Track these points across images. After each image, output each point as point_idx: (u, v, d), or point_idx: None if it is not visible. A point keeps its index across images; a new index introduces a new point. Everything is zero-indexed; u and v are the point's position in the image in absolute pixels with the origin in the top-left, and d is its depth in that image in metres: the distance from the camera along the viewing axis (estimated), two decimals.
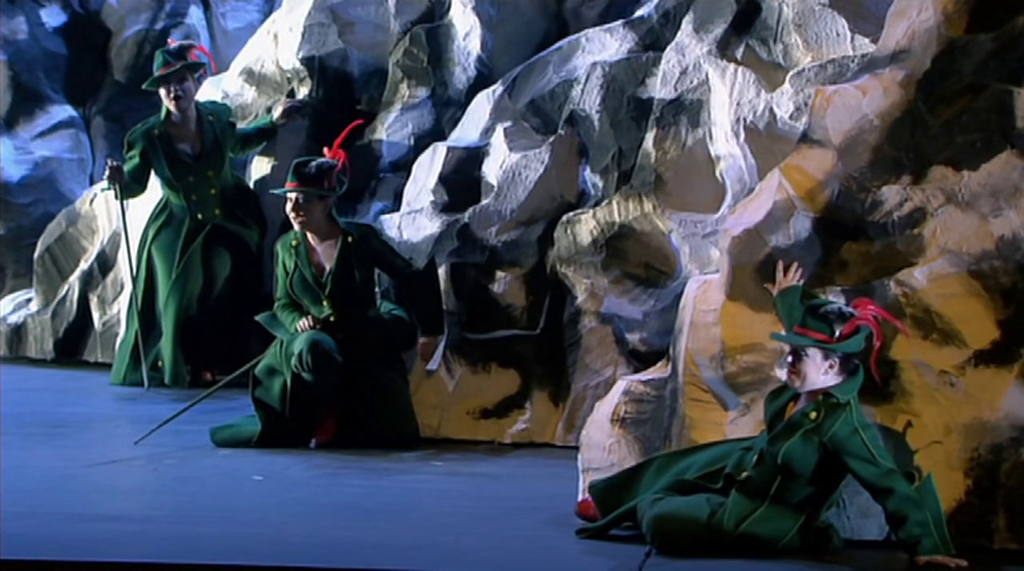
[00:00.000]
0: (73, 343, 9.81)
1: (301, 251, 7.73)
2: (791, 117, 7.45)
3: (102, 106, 11.08)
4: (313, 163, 7.74)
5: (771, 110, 7.53)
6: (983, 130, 6.12)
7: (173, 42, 9.43)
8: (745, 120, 7.57)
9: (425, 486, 6.95)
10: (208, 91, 9.83)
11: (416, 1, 9.40)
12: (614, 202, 7.73)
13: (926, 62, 6.23)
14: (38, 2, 10.83)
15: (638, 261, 7.71)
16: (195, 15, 11.15)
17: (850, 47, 7.46)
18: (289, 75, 9.55)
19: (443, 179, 8.29)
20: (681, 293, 6.58)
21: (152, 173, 9.20)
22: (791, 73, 7.52)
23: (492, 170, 8.14)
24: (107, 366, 9.57)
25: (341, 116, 9.07)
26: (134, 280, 9.27)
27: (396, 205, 8.69)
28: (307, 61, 9.43)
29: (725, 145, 7.65)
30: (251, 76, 9.70)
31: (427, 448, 7.60)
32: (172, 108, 9.08)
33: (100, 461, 7.31)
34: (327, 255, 7.74)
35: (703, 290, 6.32)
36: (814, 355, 5.73)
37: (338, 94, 9.40)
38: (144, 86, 9.30)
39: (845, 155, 6.23)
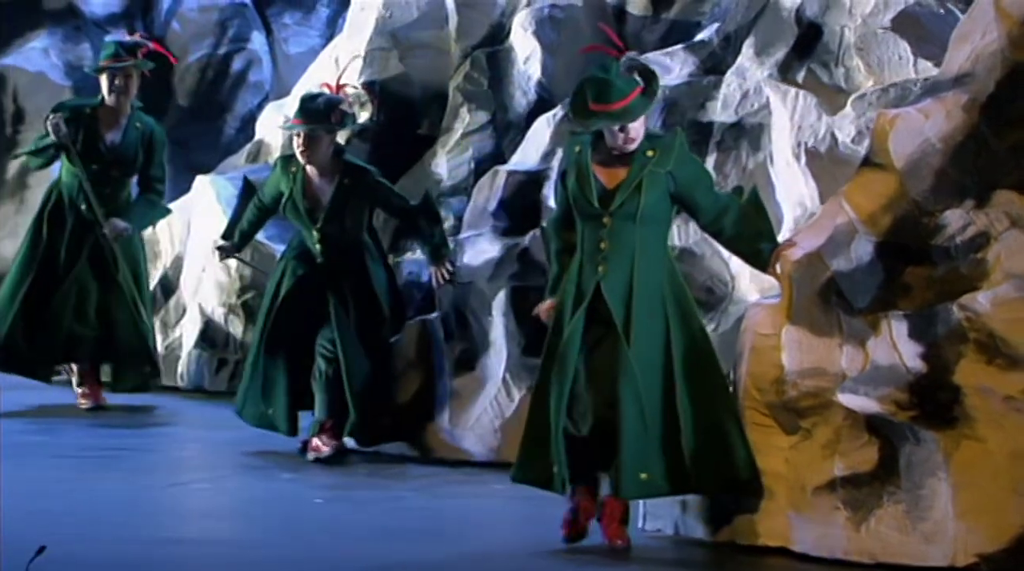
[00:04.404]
0: None
1: (299, 179, 7.85)
2: (853, 141, 7.42)
3: (166, 131, 11.17)
4: (320, 98, 7.84)
5: (832, 134, 7.51)
6: None
7: (131, 34, 9.39)
8: (806, 144, 7.56)
9: (488, 509, 6.96)
10: (271, 115, 9.89)
11: (477, 25, 9.43)
12: (674, 226, 7.72)
13: (990, 85, 6.19)
14: (103, 29, 10.94)
15: (699, 285, 7.70)
16: (257, 40, 11.24)
17: (913, 71, 7.44)
18: (350, 99, 9.60)
19: (503, 203, 8.31)
20: (742, 317, 6.57)
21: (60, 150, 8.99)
22: (853, 97, 7.50)
23: (553, 194, 8.15)
24: (170, 389, 9.63)
25: (402, 140, 9.12)
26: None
27: (457, 229, 8.72)
28: (368, 85, 9.48)
29: (786, 169, 7.63)
30: None
31: (488, 471, 7.60)
32: (107, 98, 8.97)
33: (165, 484, 7.35)
34: (323, 190, 7.84)
35: (764, 314, 6.31)
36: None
37: (399, 118, 9.44)
38: (87, 70, 9.29)
39: (908, 179, 6.21)
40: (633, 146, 6.12)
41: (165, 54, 9.26)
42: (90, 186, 8.92)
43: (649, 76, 6.11)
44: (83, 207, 8.95)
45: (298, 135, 7.83)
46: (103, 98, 9.00)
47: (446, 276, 7.90)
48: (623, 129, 6.08)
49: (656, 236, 6.16)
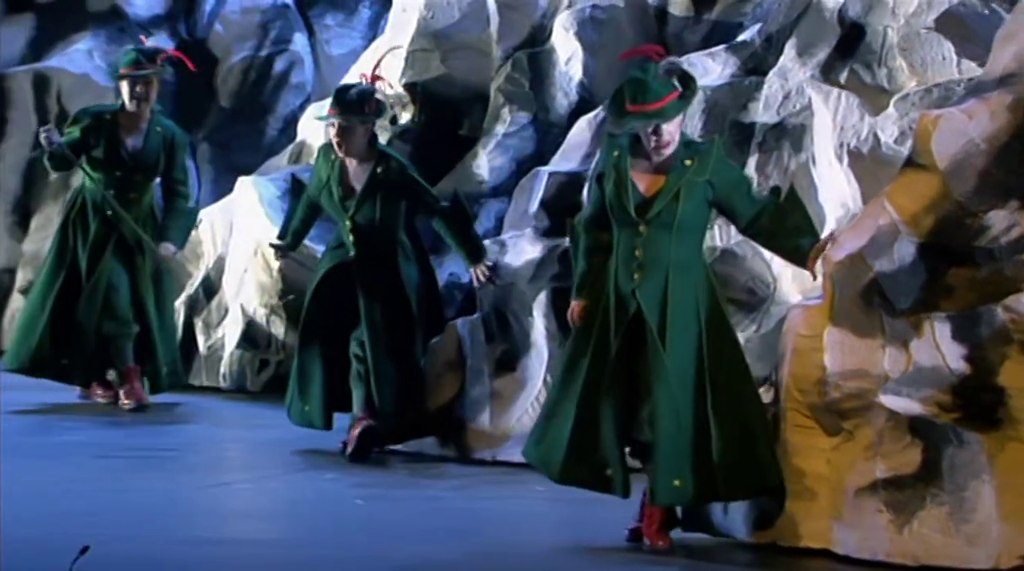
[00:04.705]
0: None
1: (336, 166, 7.94)
2: (896, 142, 7.39)
3: (208, 132, 11.22)
4: (354, 90, 7.92)
5: (875, 134, 7.48)
6: None
7: (146, 40, 9.42)
8: (849, 145, 7.52)
9: (528, 510, 6.96)
10: (313, 115, 9.91)
11: (518, 26, 9.44)
12: (716, 227, 7.70)
13: None
14: (147, 30, 10.99)
15: (740, 286, 7.68)
16: (299, 41, 11.27)
17: (956, 71, 7.39)
18: (392, 101, 9.62)
19: (544, 204, 8.30)
20: (784, 318, 6.55)
21: (83, 156, 9.07)
22: (896, 97, 7.46)
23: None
24: (212, 389, 9.67)
25: (443, 141, 9.12)
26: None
27: (498, 230, 8.72)
28: (410, 86, 9.50)
29: (828, 170, 7.61)
30: None
31: (528, 471, 7.59)
32: (129, 105, 9.03)
33: (207, 484, 7.37)
34: (358, 179, 7.92)
35: (806, 316, 6.28)
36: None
37: (440, 119, 9.45)
38: (108, 76, 9.34)
39: (951, 180, 6.17)
40: (667, 151, 6.14)
41: (184, 60, 9.33)
42: (112, 193, 8.99)
43: (687, 80, 6.13)
44: (108, 212, 9.03)
45: (333, 125, 7.89)
46: (124, 104, 9.07)
47: (486, 274, 7.90)
48: (656, 131, 6.09)
49: (692, 244, 6.19)
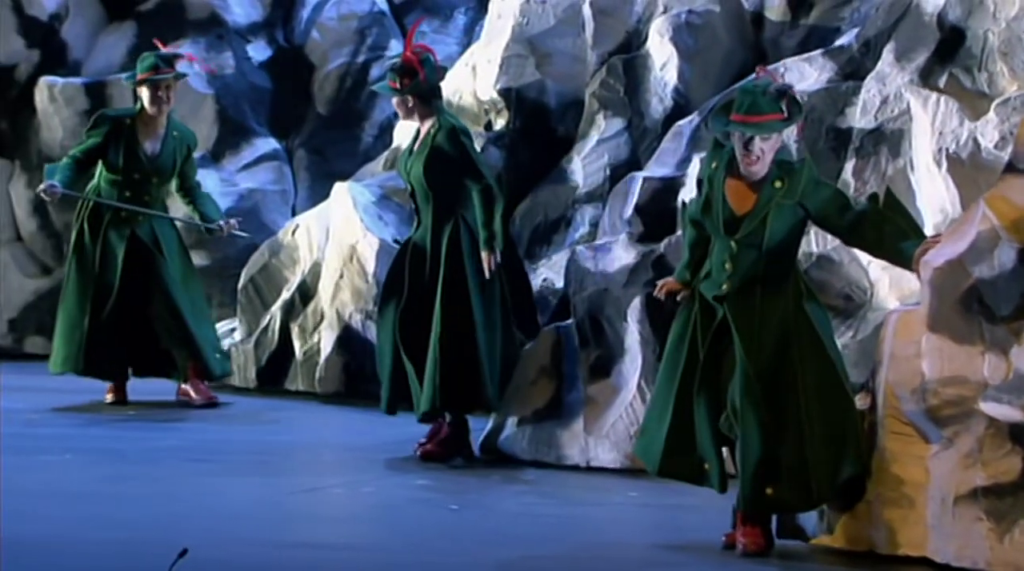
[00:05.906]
0: (275, 372, 9.97)
1: (414, 135, 8.12)
2: (996, 146, 7.31)
3: (304, 139, 11.29)
4: (388, 66, 8.16)
5: (975, 139, 7.40)
6: None
7: (163, 46, 9.46)
8: (948, 150, 7.45)
9: (620, 515, 6.94)
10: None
11: (613, 32, 9.43)
12: (812, 232, 7.65)
13: None
14: (245, 37, 11.08)
15: (837, 292, 7.63)
16: (395, 48, 11.32)
17: None
18: (487, 106, 9.64)
19: (639, 209, 8.29)
20: (881, 325, 6.49)
21: (99, 159, 9.23)
22: (996, 102, 7.38)
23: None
24: (308, 394, 9.72)
25: (538, 147, 9.12)
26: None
27: (592, 235, 8.70)
28: (504, 92, 9.51)
29: (927, 175, 7.54)
30: (449, 108, 9.80)
31: (621, 477, 7.59)
32: (149, 110, 9.17)
33: (301, 489, 7.41)
34: (422, 139, 8.04)
35: (904, 322, 6.23)
36: (774, 136, 6.08)
37: (535, 125, 9.46)
38: (125, 78, 9.46)
39: None
40: (755, 169, 6.17)
41: (198, 63, 9.50)
42: (128, 194, 9.14)
43: (793, 107, 6.15)
44: (122, 213, 9.18)
45: None
46: (142, 107, 9.23)
47: (492, 267, 7.88)
48: (748, 146, 6.08)
49: (781, 261, 6.23)
